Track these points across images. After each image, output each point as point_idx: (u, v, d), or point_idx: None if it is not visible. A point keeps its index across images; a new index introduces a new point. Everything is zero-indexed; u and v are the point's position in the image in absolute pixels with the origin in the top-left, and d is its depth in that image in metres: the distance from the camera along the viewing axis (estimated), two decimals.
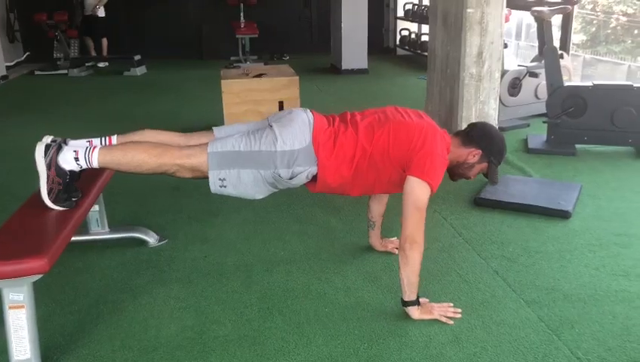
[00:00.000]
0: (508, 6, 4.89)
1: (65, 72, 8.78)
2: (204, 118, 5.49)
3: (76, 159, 2.25)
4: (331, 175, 2.31)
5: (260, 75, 4.96)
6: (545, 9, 4.47)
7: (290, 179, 2.29)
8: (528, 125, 5.19)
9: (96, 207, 2.96)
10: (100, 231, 3.02)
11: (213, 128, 2.46)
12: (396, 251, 2.84)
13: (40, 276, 1.94)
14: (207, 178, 2.27)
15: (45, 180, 2.23)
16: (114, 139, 2.41)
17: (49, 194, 2.25)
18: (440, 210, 3.42)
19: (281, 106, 4.90)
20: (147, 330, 2.30)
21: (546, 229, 3.12)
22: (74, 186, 2.39)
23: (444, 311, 2.34)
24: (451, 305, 2.40)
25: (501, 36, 4.28)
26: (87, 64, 9.16)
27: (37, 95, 7.51)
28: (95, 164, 2.25)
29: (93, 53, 9.63)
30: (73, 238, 2.95)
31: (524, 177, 3.89)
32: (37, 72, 8.91)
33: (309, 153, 2.27)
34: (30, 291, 1.96)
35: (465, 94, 4.32)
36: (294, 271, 2.73)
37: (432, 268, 2.73)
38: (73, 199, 2.35)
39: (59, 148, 2.25)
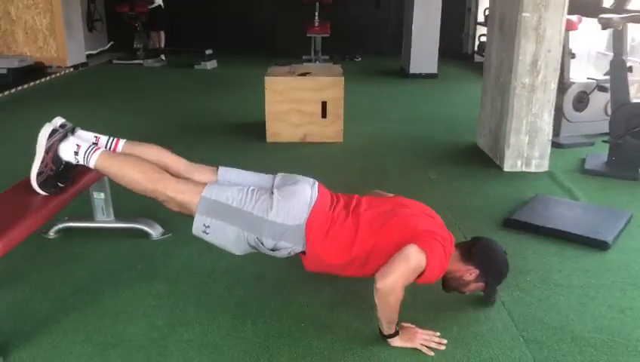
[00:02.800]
0: (575, 12, 4.49)
1: (140, 62, 9.08)
2: (254, 116, 5.42)
3: (76, 153, 2.23)
4: (319, 260, 2.16)
5: (304, 74, 4.84)
6: (614, 16, 4.04)
7: (272, 250, 2.16)
8: (592, 144, 4.73)
9: (101, 195, 2.95)
10: (104, 220, 3.01)
11: (219, 168, 2.35)
12: None
13: None
14: (192, 217, 2.18)
15: (40, 162, 2.23)
16: (121, 144, 2.36)
17: (38, 176, 2.24)
18: (463, 228, 3.15)
19: (324, 107, 4.75)
20: (115, 326, 2.23)
21: (576, 260, 2.79)
22: (68, 174, 2.38)
23: (427, 339, 2.12)
24: (438, 334, 2.17)
25: (561, 44, 3.92)
26: (162, 56, 9.43)
27: (107, 82, 7.81)
28: (91, 165, 2.23)
29: (160, 46, 9.86)
30: (77, 224, 3.00)
31: (568, 200, 3.53)
32: (115, 61, 9.27)
33: (299, 233, 2.12)
34: None
35: (515, 105, 3.99)
36: (284, 280, 2.58)
37: (432, 290, 2.49)
38: (60, 185, 2.34)
39: (64, 137, 2.24)
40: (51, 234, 2.99)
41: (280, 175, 2.33)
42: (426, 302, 2.41)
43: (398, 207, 2.25)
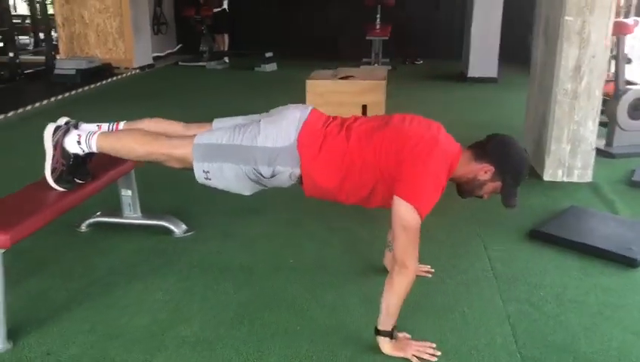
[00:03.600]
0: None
1: (204, 64, 9.37)
2: None
3: (78, 143, 2.35)
4: (316, 179, 2.15)
5: (346, 77, 4.84)
6: None
7: (272, 177, 2.17)
8: None
9: (128, 192, 3.08)
10: (131, 216, 3.14)
11: (214, 120, 2.41)
12: None
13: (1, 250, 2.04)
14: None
15: (50, 159, 2.36)
16: (121, 125, 2.48)
17: (52, 173, 2.37)
18: (484, 237, 3.06)
19: (364, 111, 4.74)
20: (121, 318, 2.33)
21: (599, 277, 2.66)
22: (86, 169, 2.51)
23: (420, 351, 2.08)
24: (433, 345, 2.12)
25: (607, 50, 3.73)
26: (225, 58, 9.68)
27: (168, 83, 8.11)
28: (94, 148, 2.34)
29: (224, 48, 10.11)
30: (106, 219, 3.15)
31: (605, 213, 3.35)
32: (180, 63, 9.62)
33: (292, 153, 2.12)
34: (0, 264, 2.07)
35: (557, 112, 3.83)
36: (292, 281, 2.61)
37: (438, 300, 2.46)
38: (79, 181, 2.47)
39: (67, 131, 2.36)
40: (83, 227, 3.16)
41: (272, 110, 2.33)
42: (426, 309, 2.37)
43: (390, 120, 2.19)
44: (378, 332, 2.09)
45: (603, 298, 2.48)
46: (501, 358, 2.08)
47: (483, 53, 7.86)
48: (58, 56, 8.50)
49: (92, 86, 7.44)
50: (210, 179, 2.21)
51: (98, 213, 3.21)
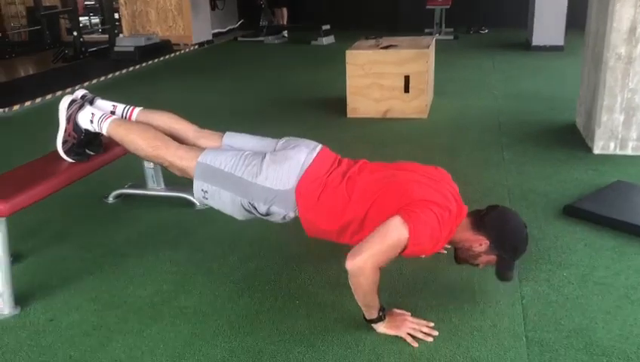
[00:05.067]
0: None
1: (262, 39, 9.38)
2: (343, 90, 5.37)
3: (91, 121, 2.37)
4: (313, 226, 2.08)
5: (388, 47, 4.67)
6: None
7: (266, 215, 2.12)
8: None
9: (150, 165, 3.11)
10: (155, 188, 3.18)
11: (225, 134, 2.35)
12: None
13: (3, 218, 2.10)
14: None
15: (63, 131, 2.40)
16: (136, 111, 2.45)
17: (63, 144, 2.41)
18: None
19: (406, 81, 4.56)
20: (126, 288, 2.37)
21: (634, 258, 2.42)
22: (98, 141, 2.54)
23: (415, 329, 1.98)
24: (431, 324, 2.01)
25: None
26: (284, 32, 9.65)
27: (224, 59, 8.17)
28: (104, 132, 2.35)
29: (283, 23, 10.06)
30: (132, 191, 3.20)
31: None
32: (240, 39, 9.68)
33: (289, 198, 2.06)
34: (3, 230, 2.13)
35: (608, 79, 3.53)
36: (300, 255, 2.55)
37: (452, 277, 2.33)
38: (90, 153, 2.51)
39: (81, 106, 2.39)
40: (110, 199, 3.23)
41: (284, 139, 2.26)
42: (433, 288, 2.26)
43: (398, 172, 2.09)
44: (367, 321, 2.01)
45: (633, 280, 2.26)
46: (504, 341, 1.94)
47: (548, 19, 7.38)
48: (121, 35, 8.76)
49: (150, 62, 7.62)
50: (207, 199, 2.18)
51: (127, 185, 3.28)
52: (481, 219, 2.04)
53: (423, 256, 2.14)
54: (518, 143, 3.94)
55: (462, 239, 2.04)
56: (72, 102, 2.39)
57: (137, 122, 2.37)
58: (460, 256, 2.10)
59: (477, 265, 2.09)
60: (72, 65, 7.65)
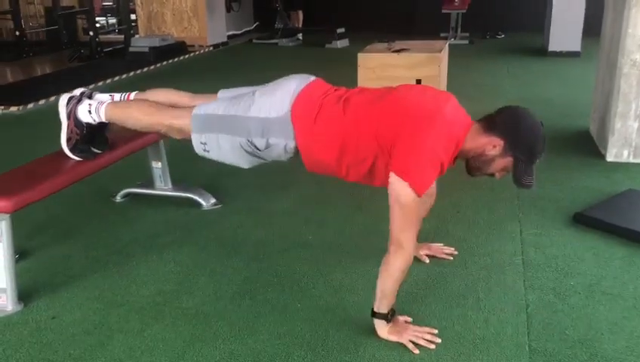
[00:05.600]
0: None
1: (276, 41, 9.40)
2: None
3: (89, 112, 2.38)
4: (313, 152, 2.04)
5: (400, 50, 4.64)
6: None
7: (266, 149, 2.08)
8: None
9: (159, 165, 3.12)
10: (162, 188, 3.19)
11: (220, 90, 2.36)
12: (425, 258, 2.47)
13: (7, 215, 2.10)
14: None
15: (65, 128, 2.41)
16: (132, 94, 2.48)
17: (67, 141, 2.42)
18: (524, 219, 2.84)
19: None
20: (129, 287, 2.37)
21: None
22: (103, 139, 2.55)
23: (418, 336, 1.95)
24: (434, 331, 1.98)
25: None
26: (298, 35, 9.66)
27: (236, 61, 8.20)
28: (103, 118, 2.36)
29: (298, 25, 10.07)
30: (139, 190, 3.21)
31: None
32: (254, 41, 9.70)
33: (285, 124, 2.02)
34: (8, 227, 2.13)
35: (623, 85, 3.48)
36: (304, 258, 2.54)
37: (453, 284, 2.30)
38: (96, 151, 2.52)
39: (79, 101, 2.40)
40: (118, 198, 3.24)
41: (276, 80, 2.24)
42: (438, 293, 2.23)
43: (393, 90, 2.05)
44: (374, 315, 1.98)
45: None
46: (506, 350, 1.90)
47: (565, 25, 7.32)
48: (137, 35, 8.82)
49: (164, 63, 7.66)
50: (207, 151, 2.17)
51: (137, 184, 3.29)
52: (492, 121, 1.94)
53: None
54: None
55: (473, 146, 1.94)
56: (71, 98, 2.40)
57: (134, 99, 2.38)
58: (473, 165, 1.99)
59: (492, 174, 1.99)
60: (88, 65, 7.72)
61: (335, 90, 2.13)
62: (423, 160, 1.86)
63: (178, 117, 2.21)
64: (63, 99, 2.39)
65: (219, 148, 2.14)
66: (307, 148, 2.04)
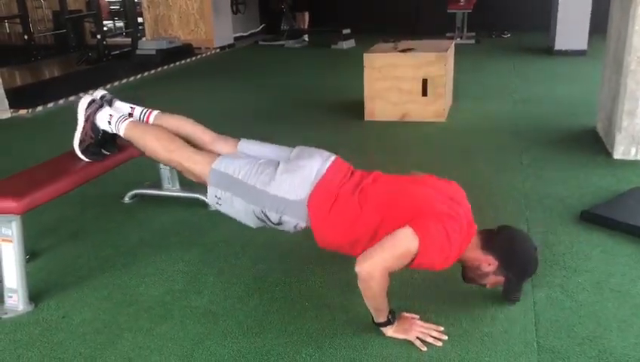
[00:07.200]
0: None
1: (283, 43, 9.42)
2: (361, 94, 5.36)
3: (109, 122, 2.39)
4: (325, 237, 2.06)
5: (406, 50, 4.65)
6: None
7: (277, 224, 2.11)
8: None
9: (166, 166, 3.13)
10: (170, 188, 3.21)
11: (240, 140, 2.36)
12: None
13: (18, 216, 2.13)
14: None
15: (80, 130, 2.43)
16: (153, 115, 2.46)
17: (80, 143, 2.44)
18: (531, 218, 2.83)
19: (424, 84, 4.54)
20: (139, 286, 2.39)
21: None
22: (113, 141, 2.57)
23: (424, 333, 1.96)
24: (441, 328, 1.99)
25: None
26: (304, 36, 9.67)
27: (243, 62, 8.23)
28: (121, 134, 2.37)
29: (304, 27, 10.07)
30: (147, 191, 3.23)
31: None
32: (260, 42, 9.73)
33: (301, 209, 2.04)
34: (18, 228, 2.16)
35: (629, 83, 3.47)
36: (312, 257, 2.53)
37: (459, 282, 2.28)
38: (105, 153, 2.54)
39: (100, 107, 2.42)
40: (126, 199, 3.26)
41: (298, 148, 2.26)
42: (444, 292, 2.24)
43: (411, 185, 2.08)
44: (375, 324, 2.00)
45: None
46: (515, 347, 1.91)
47: (572, 23, 7.28)
48: (144, 38, 8.86)
49: (171, 65, 7.69)
50: (220, 205, 2.18)
51: (146, 184, 3.32)
52: (491, 239, 2.04)
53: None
54: (537, 147, 3.89)
55: (471, 258, 2.03)
56: (92, 102, 2.41)
57: (154, 125, 2.39)
58: (468, 274, 2.09)
59: (484, 284, 2.09)
60: (96, 68, 7.77)
61: (351, 175, 2.13)
62: (440, 233, 1.88)
63: (197, 163, 2.21)
64: (84, 101, 2.40)
65: (232, 207, 2.16)
66: (320, 233, 2.06)
